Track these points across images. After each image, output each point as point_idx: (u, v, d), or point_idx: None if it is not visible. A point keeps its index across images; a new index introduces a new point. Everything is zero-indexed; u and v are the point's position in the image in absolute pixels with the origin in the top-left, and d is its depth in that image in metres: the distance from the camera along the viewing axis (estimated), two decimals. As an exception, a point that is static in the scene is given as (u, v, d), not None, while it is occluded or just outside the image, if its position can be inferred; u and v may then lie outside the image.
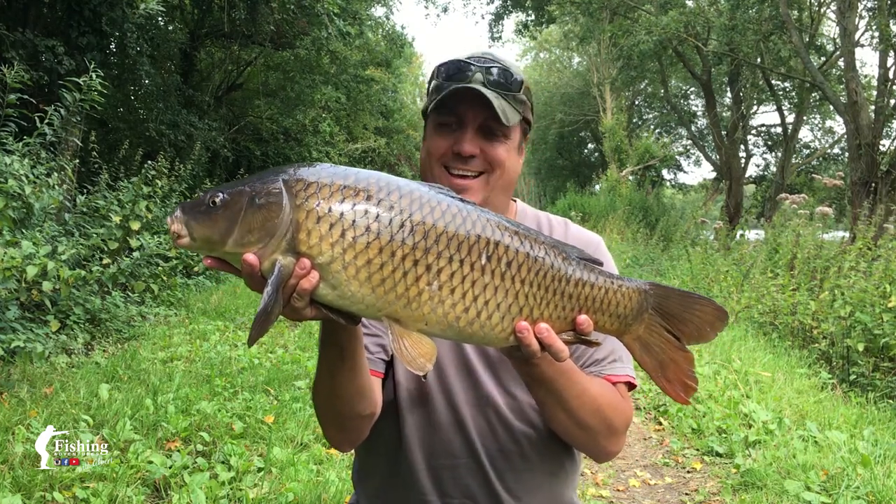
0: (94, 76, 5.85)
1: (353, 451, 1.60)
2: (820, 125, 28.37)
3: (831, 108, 18.33)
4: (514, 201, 1.65)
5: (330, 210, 1.02)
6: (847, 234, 9.99)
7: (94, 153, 8.07)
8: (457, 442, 1.48)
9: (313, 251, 1.01)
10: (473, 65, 1.44)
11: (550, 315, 1.15)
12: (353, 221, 1.02)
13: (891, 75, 13.94)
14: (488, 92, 1.39)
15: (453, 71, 1.46)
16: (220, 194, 1.04)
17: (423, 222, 1.05)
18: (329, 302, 1.06)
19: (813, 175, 20.31)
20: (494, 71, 1.43)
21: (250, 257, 1.01)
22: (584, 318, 1.17)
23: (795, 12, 17.23)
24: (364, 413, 1.35)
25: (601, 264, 1.23)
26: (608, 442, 1.41)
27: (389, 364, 1.49)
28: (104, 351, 5.61)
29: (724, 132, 21.99)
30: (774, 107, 23.48)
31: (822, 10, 18.72)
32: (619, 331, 1.24)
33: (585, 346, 1.26)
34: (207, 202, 1.04)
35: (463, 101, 1.42)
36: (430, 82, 1.55)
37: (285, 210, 1.01)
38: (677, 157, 32.68)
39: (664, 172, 29.58)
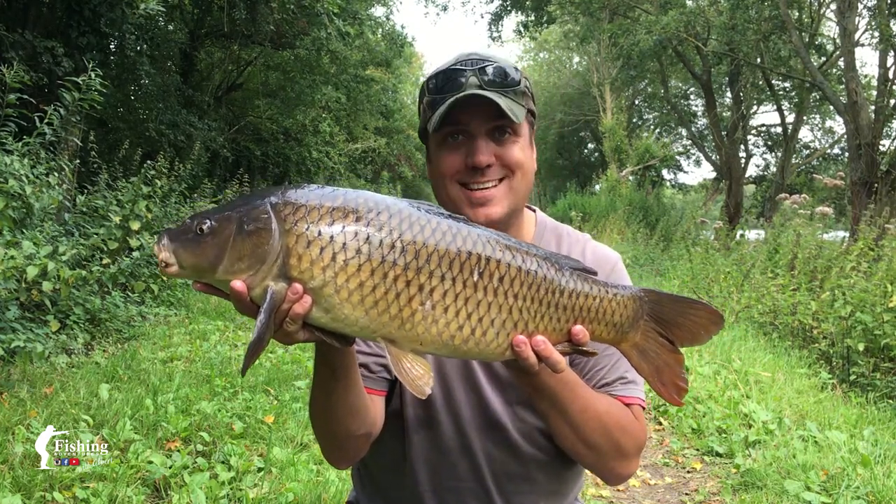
0: (92, 75, 5.85)
1: None
2: (820, 125, 28.39)
3: (831, 108, 18.33)
4: (534, 211, 1.58)
5: (320, 233, 1.01)
6: (847, 235, 9.99)
7: (94, 153, 8.07)
8: (463, 465, 1.46)
9: (305, 276, 1.00)
10: (466, 69, 1.35)
11: (546, 328, 1.15)
12: (344, 244, 1.01)
13: (891, 75, 13.93)
14: (490, 93, 1.31)
15: (444, 81, 1.37)
16: (208, 221, 1.02)
17: (413, 242, 1.04)
18: (323, 325, 1.05)
19: (813, 175, 20.31)
20: (489, 70, 1.35)
21: (238, 285, 0.99)
22: (579, 329, 1.16)
23: (795, 12, 17.23)
24: (358, 433, 1.32)
25: (595, 274, 1.22)
26: (617, 463, 1.38)
27: (394, 383, 1.45)
28: (104, 351, 5.60)
29: (724, 132, 21.98)
30: (774, 107, 23.47)
31: (822, 10, 18.71)
32: (615, 339, 1.24)
33: (582, 356, 1.25)
34: (195, 229, 1.02)
35: (464, 109, 1.33)
36: (420, 99, 1.46)
37: (274, 235, 1.00)
38: (677, 157, 32.67)
39: (664, 172, 29.58)
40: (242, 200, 1.05)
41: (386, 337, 1.06)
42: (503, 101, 1.32)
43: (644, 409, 1.46)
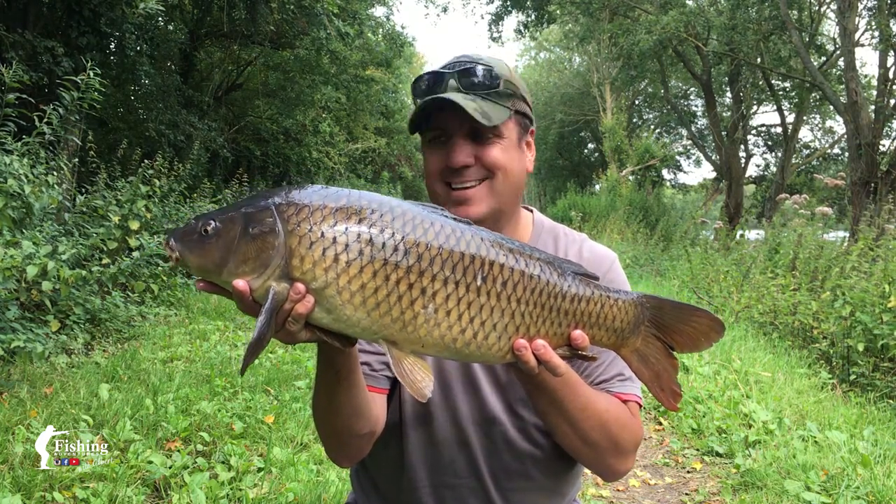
0: (91, 75, 5.85)
1: None
2: (820, 125, 28.39)
3: (831, 108, 18.33)
4: (531, 211, 1.59)
5: (322, 234, 1.00)
6: (847, 235, 9.99)
7: (93, 153, 8.07)
8: (460, 461, 1.46)
9: (307, 276, 1.00)
10: (446, 72, 1.38)
11: (547, 332, 1.15)
12: (347, 245, 1.01)
13: (891, 75, 13.93)
14: (459, 96, 1.33)
15: (427, 84, 1.41)
16: (212, 222, 1.02)
17: (416, 244, 1.04)
18: (325, 325, 1.04)
19: (813, 175, 20.32)
20: (469, 72, 1.37)
21: (241, 284, 0.99)
22: (578, 334, 1.17)
23: (795, 12, 17.24)
24: (362, 432, 1.33)
25: (597, 278, 1.22)
26: (615, 460, 1.39)
27: (395, 381, 1.45)
28: (104, 351, 5.60)
29: (724, 132, 21.98)
30: (774, 107, 23.48)
31: (822, 10, 18.72)
32: (616, 344, 1.24)
33: (582, 360, 1.25)
34: (199, 230, 1.02)
35: (442, 111, 1.36)
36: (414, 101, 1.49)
37: (279, 238, 1.00)
38: (677, 157, 32.70)
39: (664, 172, 29.59)
40: (247, 201, 1.05)
41: (387, 339, 1.06)
42: (473, 104, 1.33)
43: (641, 406, 1.47)
